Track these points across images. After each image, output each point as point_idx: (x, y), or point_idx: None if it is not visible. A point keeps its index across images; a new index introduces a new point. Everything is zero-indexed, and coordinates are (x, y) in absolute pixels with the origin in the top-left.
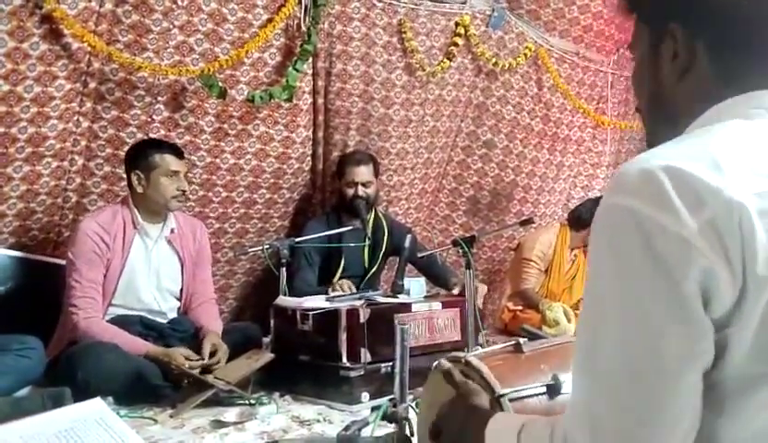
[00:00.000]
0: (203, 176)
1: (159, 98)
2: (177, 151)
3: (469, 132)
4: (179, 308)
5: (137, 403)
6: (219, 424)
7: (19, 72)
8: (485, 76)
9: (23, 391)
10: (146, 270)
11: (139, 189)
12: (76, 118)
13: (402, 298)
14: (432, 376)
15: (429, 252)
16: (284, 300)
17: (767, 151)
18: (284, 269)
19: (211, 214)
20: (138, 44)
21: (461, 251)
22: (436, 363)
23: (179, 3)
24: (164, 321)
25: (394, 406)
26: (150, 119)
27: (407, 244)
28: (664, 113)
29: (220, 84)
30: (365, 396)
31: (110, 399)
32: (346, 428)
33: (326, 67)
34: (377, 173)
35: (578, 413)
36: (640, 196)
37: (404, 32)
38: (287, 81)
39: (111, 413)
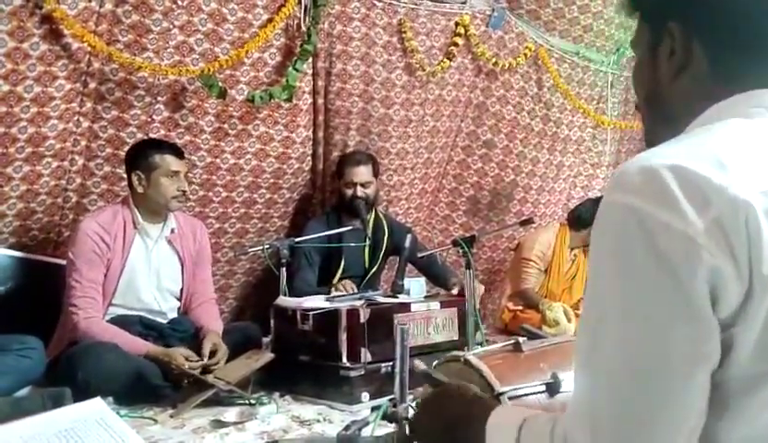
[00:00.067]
0: (203, 176)
1: (159, 98)
2: (177, 151)
3: (469, 132)
4: (179, 308)
5: (137, 403)
6: (219, 424)
7: (19, 72)
8: (485, 76)
9: (23, 391)
10: (146, 270)
11: (140, 189)
12: (76, 118)
13: (402, 298)
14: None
15: (429, 252)
16: (284, 300)
17: None
18: (284, 269)
19: (211, 214)
20: (138, 44)
21: (461, 251)
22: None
23: (179, 3)
24: (164, 321)
25: (394, 406)
26: (150, 119)
27: (407, 244)
28: (662, 111)
29: (220, 84)
30: (365, 396)
31: (110, 399)
32: (346, 428)
33: (326, 67)
34: (376, 174)
35: (579, 413)
36: (641, 194)
37: (404, 32)
38: (287, 81)
39: (111, 413)
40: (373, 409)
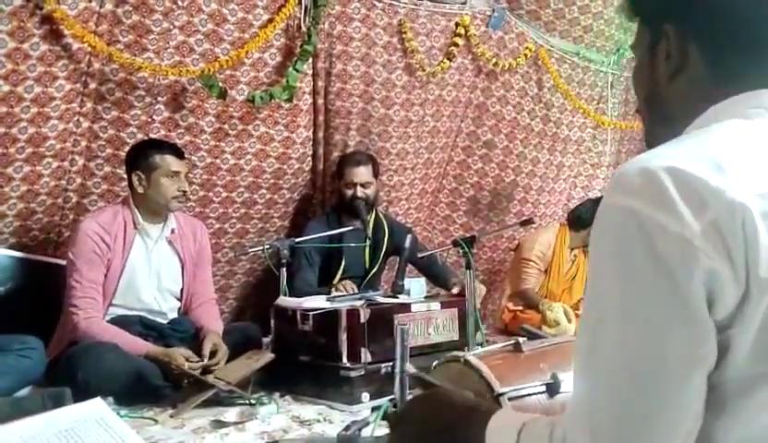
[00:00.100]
0: (203, 177)
1: (159, 98)
2: (178, 152)
3: (469, 132)
4: (179, 308)
5: (137, 403)
6: (219, 424)
7: (20, 72)
8: (485, 76)
9: (23, 391)
10: (146, 271)
11: (140, 190)
12: (76, 118)
13: (402, 298)
14: (434, 375)
15: (429, 252)
16: (285, 300)
17: None
18: (284, 269)
19: (212, 214)
20: (139, 45)
21: (461, 251)
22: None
23: (179, 3)
24: (165, 321)
25: (394, 406)
26: (150, 119)
27: (407, 244)
28: (660, 113)
29: (220, 84)
30: (365, 396)
31: (110, 399)
32: (346, 428)
33: (326, 68)
34: (376, 174)
35: (578, 414)
36: (640, 196)
37: (404, 33)
38: (287, 82)
39: (111, 413)
40: (373, 409)
